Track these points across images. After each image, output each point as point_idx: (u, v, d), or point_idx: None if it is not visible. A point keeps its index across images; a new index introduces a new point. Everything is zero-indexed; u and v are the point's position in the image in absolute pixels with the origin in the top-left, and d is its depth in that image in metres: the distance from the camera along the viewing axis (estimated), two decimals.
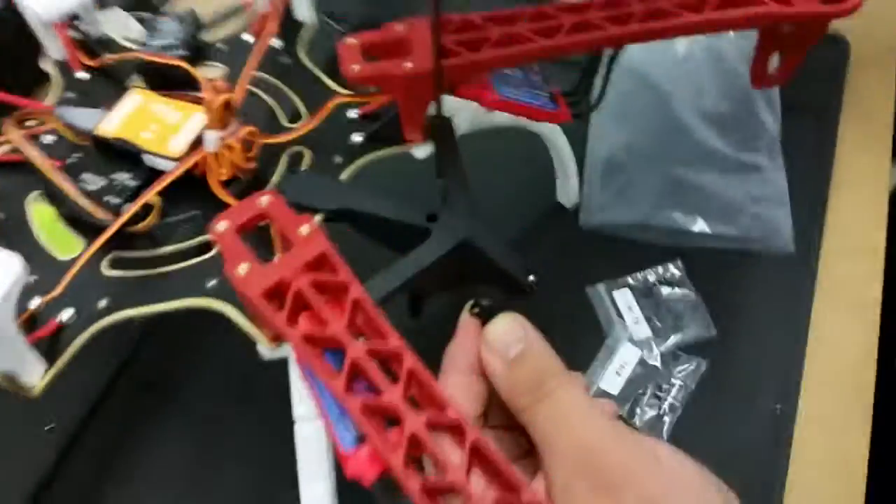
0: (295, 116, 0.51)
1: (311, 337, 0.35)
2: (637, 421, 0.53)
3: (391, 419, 0.35)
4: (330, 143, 0.49)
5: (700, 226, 0.61)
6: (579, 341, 0.58)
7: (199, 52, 0.54)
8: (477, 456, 0.34)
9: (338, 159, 0.48)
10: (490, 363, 0.40)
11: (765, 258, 0.61)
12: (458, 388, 0.41)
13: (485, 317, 0.41)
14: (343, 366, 0.35)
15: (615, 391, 0.55)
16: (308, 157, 0.48)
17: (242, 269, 0.37)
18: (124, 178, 0.46)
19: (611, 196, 0.63)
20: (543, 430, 0.38)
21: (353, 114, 0.50)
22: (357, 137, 0.48)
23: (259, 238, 0.40)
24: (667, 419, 0.53)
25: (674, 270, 0.60)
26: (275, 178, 0.48)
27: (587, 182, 0.65)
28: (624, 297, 0.59)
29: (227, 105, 0.44)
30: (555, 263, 0.61)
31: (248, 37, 0.55)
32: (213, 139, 0.44)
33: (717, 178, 0.63)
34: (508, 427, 0.44)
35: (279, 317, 0.36)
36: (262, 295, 0.36)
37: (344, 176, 0.47)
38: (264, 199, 0.39)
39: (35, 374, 0.41)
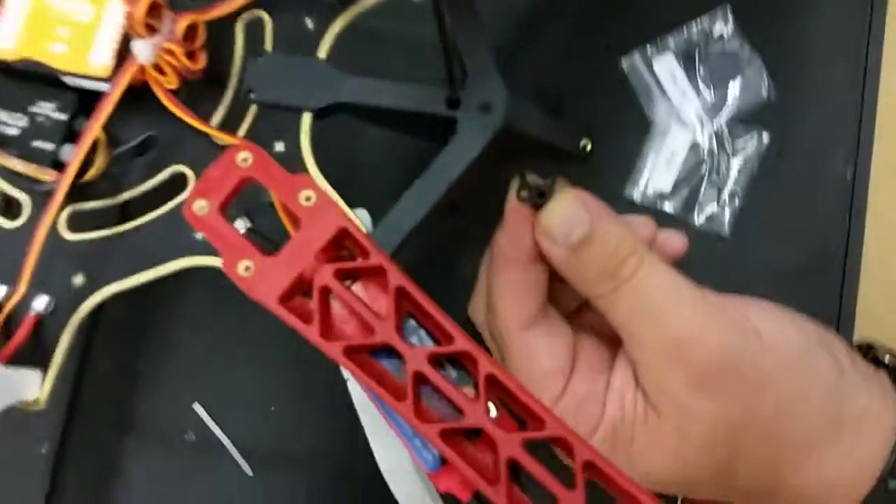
0: None
1: (356, 348, 0.29)
2: (696, 218, 0.48)
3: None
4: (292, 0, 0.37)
5: None
6: (618, 130, 0.49)
7: None
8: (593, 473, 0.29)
9: (309, 23, 0.37)
10: (552, 253, 0.34)
11: None
12: (514, 285, 0.35)
13: (536, 200, 0.34)
14: (404, 375, 0.29)
15: (667, 187, 0.48)
16: (269, 26, 0.37)
17: (245, 267, 0.29)
18: (48, 109, 0.36)
19: None
20: (626, 322, 0.33)
21: None
22: None
23: None
24: (728, 210, 0.47)
25: (721, 21, 0.50)
26: (235, 70, 0.37)
27: None
28: (665, 65, 0.50)
29: (152, 6, 0.33)
30: (577, 29, 0.51)
31: None
32: (145, 51, 0.33)
33: None
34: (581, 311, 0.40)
35: (310, 330, 0.29)
36: (281, 301, 0.29)
37: (323, 49, 0.36)
38: (242, 157, 0.30)
39: (32, 388, 0.35)
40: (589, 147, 0.36)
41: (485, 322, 0.38)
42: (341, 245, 0.30)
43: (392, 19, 0.39)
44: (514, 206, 0.35)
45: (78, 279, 0.35)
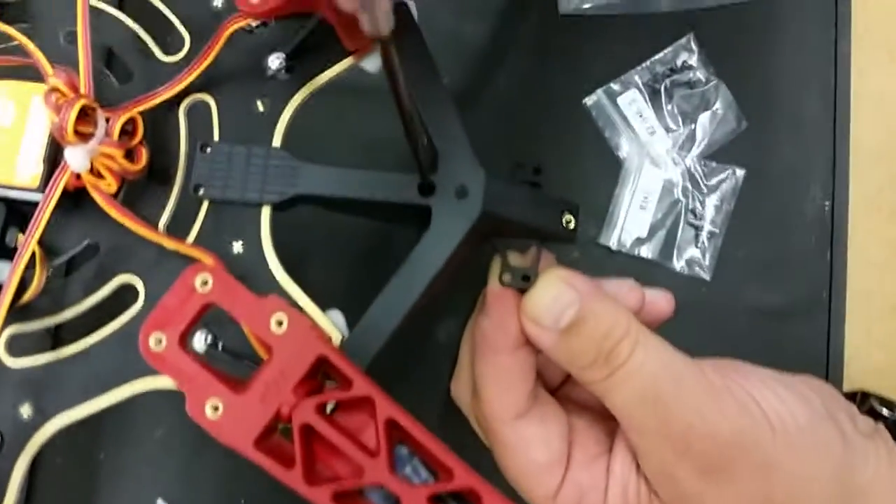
0: (173, 40, 0.35)
1: (346, 493, 0.26)
2: (676, 262, 0.46)
3: None
4: (239, 81, 0.34)
5: None
6: (588, 174, 0.47)
7: None
8: None
9: (259, 106, 0.33)
10: (540, 338, 0.32)
11: (786, 7, 0.48)
12: (502, 372, 0.33)
13: (520, 284, 0.32)
14: None
15: (644, 232, 0.46)
16: (215, 111, 0.34)
17: (213, 407, 0.26)
18: None
19: None
20: (625, 409, 0.32)
21: (255, 22, 0.34)
22: (274, 62, 0.33)
23: None
24: (707, 253, 0.46)
25: (686, 52, 0.48)
26: (181, 163, 0.33)
27: None
28: (631, 102, 0.47)
29: (84, 111, 0.29)
30: (535, 69, 0.48)
31: None
32: (78, 158, 0.30)
33: None
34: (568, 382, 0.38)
35: (292, 476, 0.26)
36: (256, 445, 0.26)
37: (278, 134, 0.33)
38: (201, 280, 0.27)
39: None
40: (573, 224, 0.33)
41: (471, 407, 0.36)
42: (320, 369, 0.27)
43: (350, 91, 0.35)
44: (496, 290, 0.33)
45: (25, 410, 0.32)
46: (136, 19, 0.35)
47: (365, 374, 0.27)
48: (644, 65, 0.48)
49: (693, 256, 0.46)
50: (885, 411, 0.38)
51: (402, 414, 0.26)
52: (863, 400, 0.40)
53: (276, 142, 0.33)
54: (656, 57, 0.48)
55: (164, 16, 0.35)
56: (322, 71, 0.33)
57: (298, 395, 0.26)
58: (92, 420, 0.43)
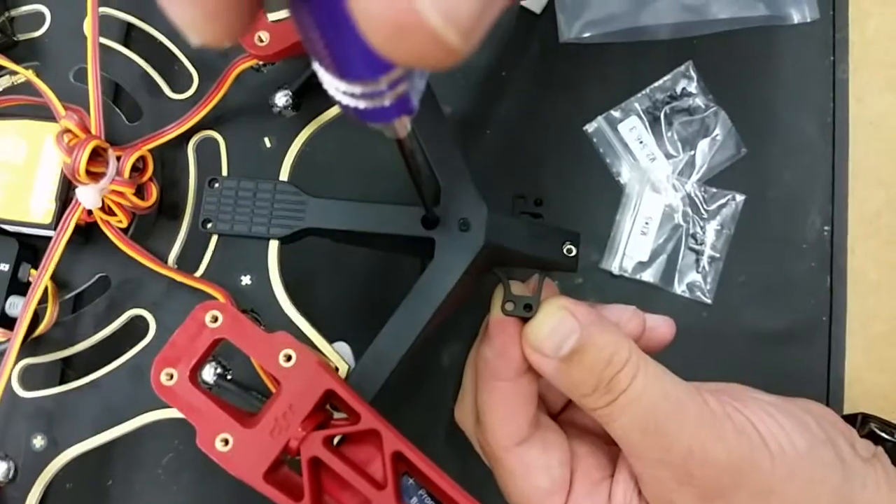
0: (182, 79, 0.35)
1: None
2: (677, 287, 0.46)
3: None
4: (247, 117, 0.34)
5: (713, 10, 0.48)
6: (589, 200, 0.48)
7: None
8: None
9: (266, 142, 0.34)
10: (542, 366, 0.33)
11: (784, 34, 0.49)
12: (504, 399, 0.34)
13: (522, 313, 0.33)
14: None
15: (645, 256, 0.47)
16: (224, 147, 0.34)
17: (223, 441, 0.27)
18: None
19: None
20: (627, 436, 0.32)
21: (261, 63, 0.34)
22: (281, 100, 0.34)
23: None
24: (708, 277, 0.46)
25: (685, 79, 0.48)
26: (190, 198, 0.34)
27: None
28: (632, 129, 0.48)
29: (95, 151, 0.30)
30: (537, 97, 0.49)
31: None
32: (90, 197, 0.30)
33: None
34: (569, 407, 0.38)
35: None
36: (266, 478, 0.27)
37: (284, 169, 0.34)
38: (211, 316, 0.28)
39: None
40: (574, 253, 0.34)
41: (474, 432, 0.37)
42: (327, 403, 0.28)
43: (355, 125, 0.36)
44: (499, 319, 0.33)
45: (38, 441, 0.32)
46: (144, 57, 0.36)
47: (371, 408, 0.27)
48: (644, 92, 0.48)
49: (694, 281, 0.46)
50: (884, 435, 0.39)
51: (408, 447, 0.27)
52: (863, 423, 0.40)
53: (283, 176, 0.34)
54: (656, 84, 0.48)
55: (172, 54, 0.35)
56: (328, 108, 0.34)
57: (306, 428, 0.27)
58: (101, 447, 0.44)
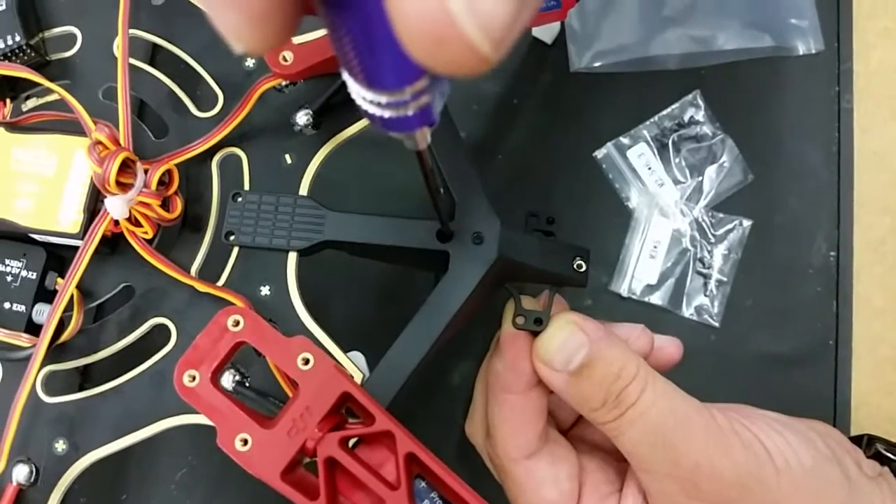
0: (207, 98, 0.37)
1: None
2: (685, 310, 0.47)
3: None
4: (269, 135, 0.36)
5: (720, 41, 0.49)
6: (598, 223, 0.49)
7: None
8: None
9: (287, 159, 0.35)
10: (552, 380, 0.33)
11: (789, 65, 0.50)
12: (514, 412, 0.34)
13: (533, 327, 0.33)
14: None
15: (653, 279, 0.47)
16: (246, 163, 0.36)
17: (243, 441, 0.28)
18: (16, 268, 0.34)
19: (599, 22, 0.50)
20: (636, 450, 0.32)
21: (285, 83, 0.36)
22: (302, 118, 0.35)
23: None
24: (716, 300, 0.47)
25: (693, 108, 0.50)
26: (213, 211, 0.35)
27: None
28: (640, 155, 0.49)
29: (125, 163, 0.31)
30: (548, 124, 0.50)
31: None
32: (118, 207, 0.32)
33: None
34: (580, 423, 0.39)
35: None
36: (283, 477, 0.27)
37: (304, 185, 0.35)
38: (233, 320, 0.29)
39: None
40: (584, 268, 0.35)
41: (484, 445, 0.37)
42: (343, 405, 0.29)
43: (372, 143, 0.37)
44: (510, 333, 0.34)
45: (59, 445, 0.33)
46: (171, 77, 0.37)
47: (386, 411, 0.28)
48: (652, 120, 0.50)
49: (702, 304, 0.47)
50: (890, 455, 0.39)
51: (421, 449, 0.28)
52: (869, 444, 0.41)
53: (303, 191, 0.35)
54: (664, 112, 0.50)
55: (197, 74, 0.37)
56: (346, 126, 0.35)
57: (323, 429, 0.28)
58: (115, 461, 0.45)
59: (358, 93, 0.18)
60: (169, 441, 0.45)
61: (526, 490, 0.35)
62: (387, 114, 0.18)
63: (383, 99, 0.18)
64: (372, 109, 0.18)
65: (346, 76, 0.18)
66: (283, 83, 0.35)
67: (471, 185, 0.34)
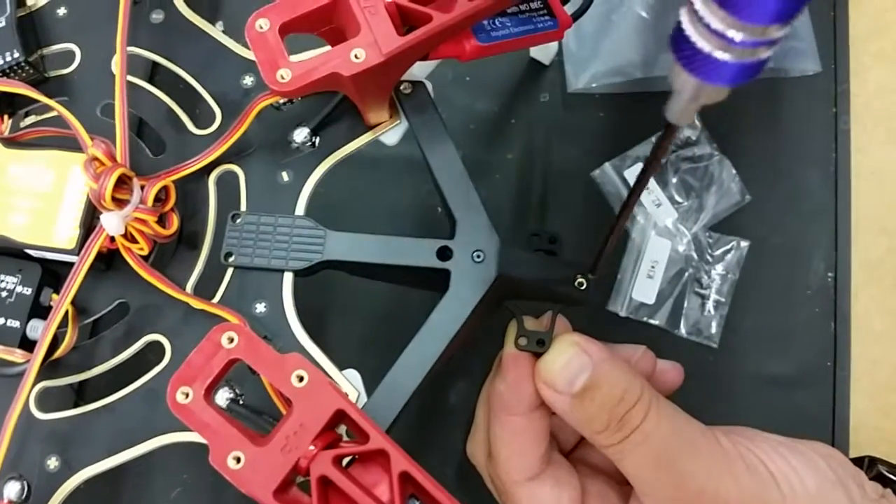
0: (205, 116, 0.37)
1: None
2: (683, 329, 0.47)
3: None
4: (266, 153, 0.36)
5: None
6: (594, 243, 0.48)
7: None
8: None
9: (285, 176, 0.35)
10: (555, 402, 0.33)
11: (787, 86, 0.50)
12: (516, 434, 0.34)
13: (535, 348, 0.33)
14: None
15: (651, 299, 0.47)
16: (243, 180, 0.36)
17: (236, 459, 0.27)
18: (11, 283, 0.34)
19: (596, 43, 0.51)
20: (639, 473, 0.32)
21: (283, 100, 0.36)
22: (300, 136, 0.35)
23: None
24: (714, 321, 0.47)
25: (690, 128, 0.50)
26: (210, 228, 0.35)
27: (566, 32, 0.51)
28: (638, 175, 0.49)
29: (121, 179, 0.31)
30: (545, 144, 0.50)
31: None
32: (114, 223, 0.32)
33: None
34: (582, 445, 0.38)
35: None
36: (276, 496, 0.27)
37: (301, 203, 0.35)
38: (227, 337, 0.29)
39: None
40: (585, 286, 0.35)
41: (485, 467, 0.37)
42: (338, 423, 0.29)
43: (370, 162, 0.37)
44: (512, 354, 0.34)
45: (52, 462, 0.33)
46: (170, 95, 0.37)
47: (380, 429, 0.28)
48: (649, 140, 0.50)
49: (700, 324, 0.47)
50: (892, 476, 0.39)
51: (416, 468, 0.28)
52: (870, 466, 0.40)
53: (300, 210, 0.35)
54: (661, 133, 0.50)
55: (196, 92, 0.37)
56: (344, 144, 0.36)
57: (316, 447, 0.27)
58: (110, 480, 0.44)
59: (709, 35, 0.17)
60: (164, 460, 0.45)
61: None
62: (729, 56, 0.17)
63: (742, 35, 0.17)
64: (717, 51, 0.17)
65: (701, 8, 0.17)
66: (281, 101, 0.35)
67: (470, 202, 0.34)
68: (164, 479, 0.45)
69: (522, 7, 0.36)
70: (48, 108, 0.35)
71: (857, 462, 0.39)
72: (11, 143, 0.35)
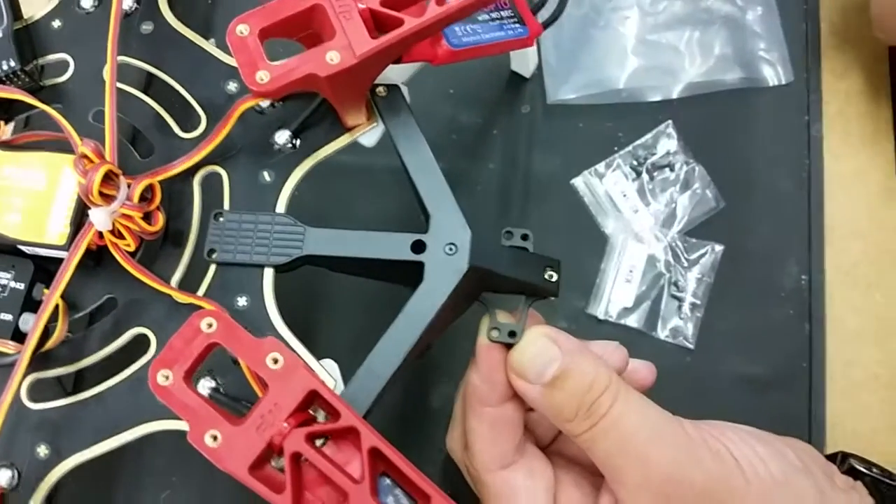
0: (192, 120, 0.39)
1: None
2: (660, 332, 0.48)
3: None
4: (249, 155, 0.37)
5: (692, 74, 0.52)
6: (574, 249, 0.50)
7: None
8: None
9: (266, 177, 0.37)
10: (526, 391, 0.34)
11: (760, 96, 0.52)
12: (490, 424, 0.35)
13: (507, 340, 0.34)
14: None
15: (629, 302, 0.49)
16: (226, 181, 0.37)
17: (213, 437, 0.29)
18: (4, 279, 0.35)
19: (575, 57, 0.53)
20: (608, 460, 0.33)
21: (265, 104, 0.37)
22: (281, 138, 0.37)
23: None
24: (690, 323, 0.48)
25: (665, 137, 0.51)
26: (194, 226, 0.37)
27: (545, 46, 0.53)
28: (615, 183, 0.51)
29: (108, 175, 0.33)
30: (526, 154, 0.52)
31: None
32: (102, 219, 0.33)
33: None
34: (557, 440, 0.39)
35: (281, 500, 0.28)
36: (251, 471, 0.28)
37: (281, 202, 0.37)
38: (207, 322, 0.30)
39: None
40: (555, 278, 0.36)
41: (462, 458, 0.38)
42: (312, 407, 0.30)
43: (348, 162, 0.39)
44: (485, 345, 0.35)
45: (42, 450, 0.34)
46: (163, 102, 0.39)
47: (351, 408, 0.29)
48: (627, 149, 0.51)
49: (677, 326, 0.48)
50: (863, 469, 0.39)
51: (384, 444, 0.29)
52: (843, 460, 0.41)
53: (281, 208, 0.36)
54: (638, 142, 0.51)
55: (184, 98, 0.39)
56: (323, 145, 0.37)
57: (290, 425, 0.29)
58: (100, 482, 0.45)
59: None
60: (153, 462, 0.46)
61: (501, 501, 0.35)
62: None
63: None
64: None
65: None
66: (264, 104, 0.37)
67: (443, 197, 0.36)
68: (153, 482, 0.46)
69: (494, 14, 0.38)
70: (43, 115, 0.37)
71: (831, 458, 0.40)
72: (7, 146, 0.37)
